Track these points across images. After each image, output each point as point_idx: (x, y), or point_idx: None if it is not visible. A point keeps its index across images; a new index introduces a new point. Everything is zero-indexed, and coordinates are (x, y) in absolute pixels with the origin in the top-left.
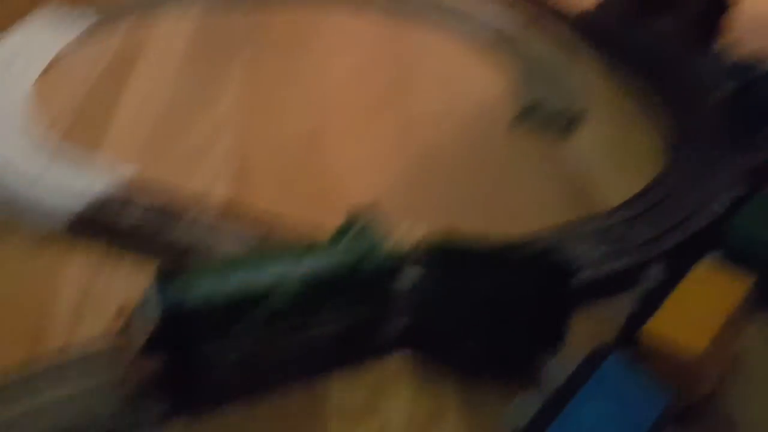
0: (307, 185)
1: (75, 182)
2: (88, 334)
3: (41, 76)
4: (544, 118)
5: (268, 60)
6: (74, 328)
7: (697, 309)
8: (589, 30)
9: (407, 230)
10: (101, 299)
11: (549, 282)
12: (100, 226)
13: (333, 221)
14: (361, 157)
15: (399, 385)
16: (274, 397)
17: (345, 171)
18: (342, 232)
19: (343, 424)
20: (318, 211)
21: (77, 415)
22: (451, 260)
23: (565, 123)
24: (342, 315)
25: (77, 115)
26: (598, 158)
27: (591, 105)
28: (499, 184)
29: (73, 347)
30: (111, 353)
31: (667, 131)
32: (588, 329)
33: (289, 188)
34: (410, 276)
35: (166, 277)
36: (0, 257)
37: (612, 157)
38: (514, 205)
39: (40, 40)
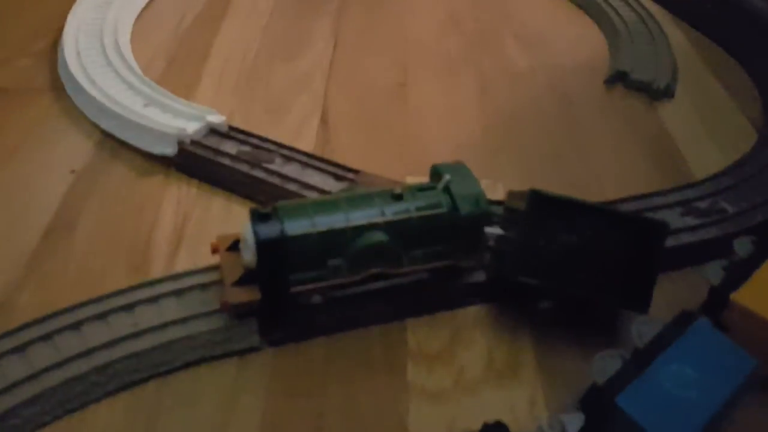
0: (390, 137)
1: (171, 122)
2: (186, 263)
3: (139, 16)
4: (634, 86)
5: (354, 13)
6: (173, 256)
7: None
8: (679, 3)
9: (487, 189)
10: (198, 231)
11: (644, 238)
12: (195, 164)
13: (415, 172)
14: (444, 112)
15: (477, 334)
16: (357, 336)
17: (428, 125)
18: (432, 180)
19: (421, 367)
20: (400, 162)
21: (175, 340)
22: (545, 210)
23: (655, 92)
24: (429, 259)
25: (172, 58)
26: (688, 129)
27: (683, 76)
28: (584, 146)
29: (172, 276)
30: (209, 283)
31: (761, 107)
32: (675, 294)
33: (373, 139)
34: (499, 226)
35: (261, 215)
36: (107, 183)
37: (703, 129)
38: (600, 169)
39: None
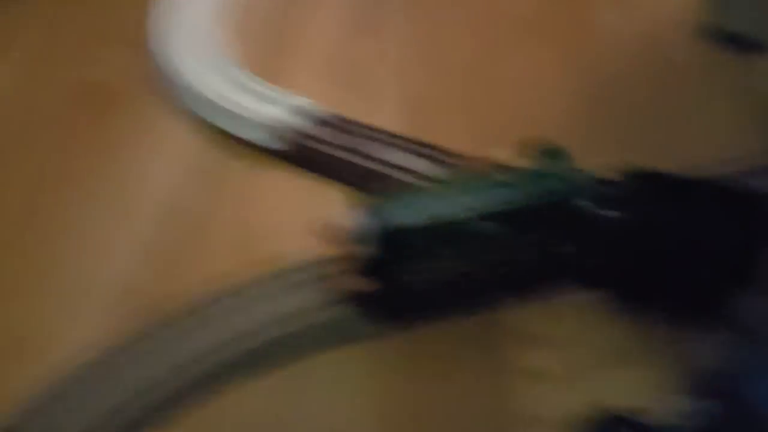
0: (479, 116)
1: (268, 111)
2: (301, 255)
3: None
4: (729, 39)
5: None
6: (288, 248)
7: None
8: None
9: (584, 167)
10: (311, 223)
11: (749, 212)
12: (306, 156)
13: (507, 153)
14: (530, 81)
15: (584, 319)
16: (470, 323)
17: (513, 100)
18: (535, 163)
19: (522, 351)
20: (492, 142)
21: (294, 333)
22: (654, 191)
23: (753, 44)
24: (538, 245)
25: (260, 44)
26: None
27: None
28: (680, 110)
29: (289, 269)
30: (323, 275)
31: None
32: None
33: (462, 119)
34: (609, 209)
35: (375, 206)
36: (219, 176)
37: None
38: (698, 134)
39: None
